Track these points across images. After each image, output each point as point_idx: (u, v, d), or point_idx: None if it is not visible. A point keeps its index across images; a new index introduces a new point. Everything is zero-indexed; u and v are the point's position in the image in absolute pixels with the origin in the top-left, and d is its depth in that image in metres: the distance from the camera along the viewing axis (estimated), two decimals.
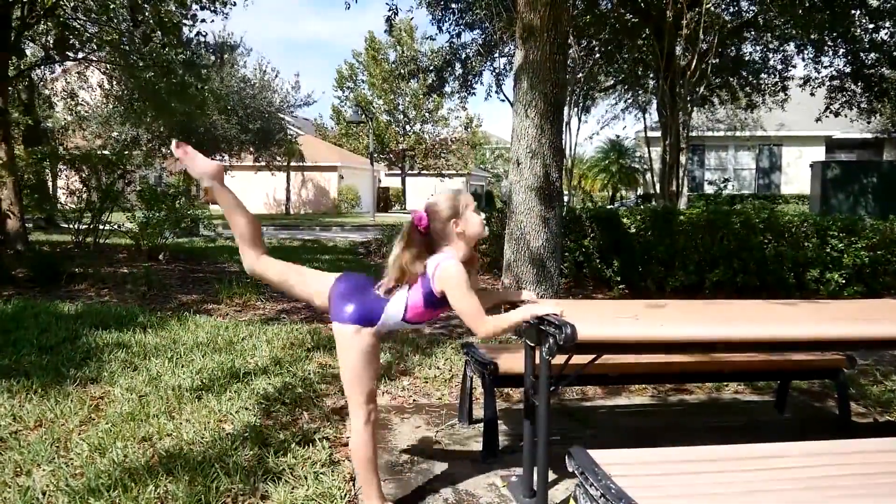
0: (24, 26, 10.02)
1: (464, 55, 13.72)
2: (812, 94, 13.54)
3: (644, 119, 15.90)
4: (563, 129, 6.43)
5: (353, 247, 12.87)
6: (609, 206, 13.00)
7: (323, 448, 2.96)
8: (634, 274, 7.44)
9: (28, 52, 12.85)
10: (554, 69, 5.50)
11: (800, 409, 3.85)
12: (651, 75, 13.88)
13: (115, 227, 10.04)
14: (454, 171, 40.73)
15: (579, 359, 2.35)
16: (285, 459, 2.82)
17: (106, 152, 11.62)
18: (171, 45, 10.76)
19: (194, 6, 10.61)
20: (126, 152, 12.30)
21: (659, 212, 7.83)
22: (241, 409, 3.40)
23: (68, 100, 16.90)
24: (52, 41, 11.38)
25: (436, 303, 2.26)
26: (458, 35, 13.14)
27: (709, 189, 21.68)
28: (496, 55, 13.56)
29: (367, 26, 78.05)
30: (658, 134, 13.50)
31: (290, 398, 3.61)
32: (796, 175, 23.12)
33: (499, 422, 3.13)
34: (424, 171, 40.36)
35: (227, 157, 27.12)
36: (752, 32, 12.67)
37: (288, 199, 31.11)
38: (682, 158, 11.60)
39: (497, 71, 13.90)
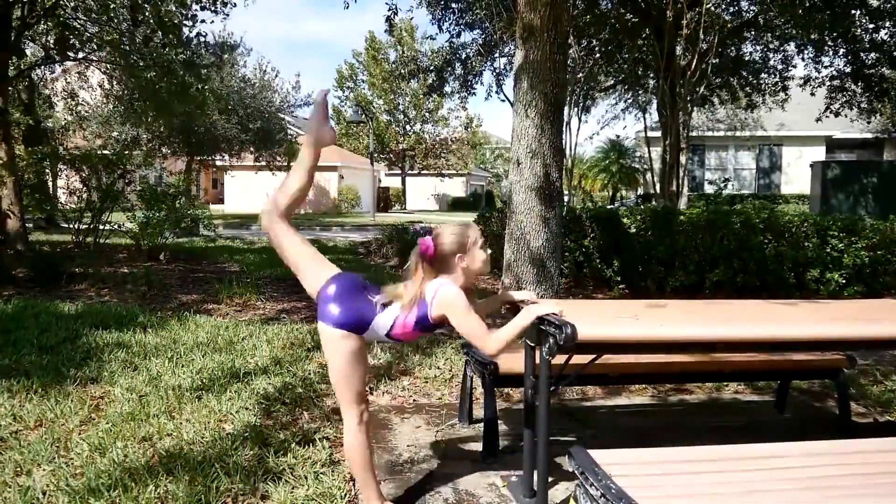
0: (24, 26, 10.03)
1: (464, 55, 13.72)
2: (812, 94, 13.54)
3: (644, 119, 15.89)
4: (564, 128, 6.42)
5: (353, 247, 12.87)
6: (609, 206, 13.00)
7: (323, 448, 2.96)
8: (634, 274, 7.44)
9: (28, 52, 12.85)
10: (554, 69, 5.50)
11: (800, 409, 3.85)
12: (651, 75, 13.87)
13: (116, 226, 10.04)
14: (454, 171, 40.75)
15: (579, 359, 2.35)
16: (285, 459, 2.82)
17: (106, 152, 11.62)
18: (171, 45, 10.76)
19: (194, 6, 10.62)
20: (126, 152, 12.29)
21: (659, 212, 7.83)
22: (241, 408, 3.40)
23: (68, 100, 16.90)
24: (52, 41, 11.39)
25: (427, 327, 2.27)
26: (458, 35, 13.15)
27: (709, 189, 21.68)
28: (496, 55, 13.57)
29: (367, 26, 78.10)
30: (658, 134, 13.49)
31: (290, 398, 3.61)
32: (796, 175, 23.12)
33: (499, 422, 3.13)
34: (424, 171, 40.37)
35: (227, 157, 27.13)
36: (753, 32, 12.66)
37: None
38: (683, 158, 11.59)
39: (497, 71, 13.91)
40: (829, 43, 11.91)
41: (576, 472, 1.84)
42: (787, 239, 7.38)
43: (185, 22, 10.87)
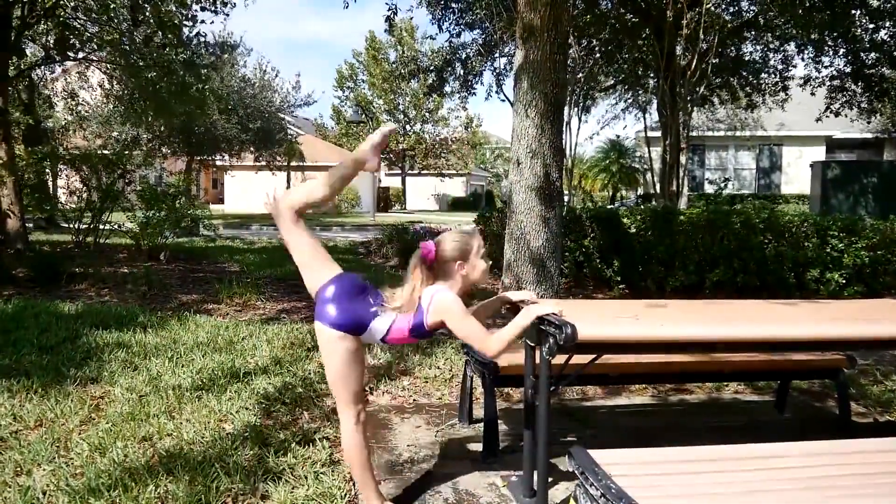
0: (24, 26, 10.02)
1: (464, 55, 13.72)
2: (812, 94, 13.54)
3: (644, 119, 15.89)
4: (564, 128, 6.42)
5: (353, 246, 12.87)
6: (609, 206, 12.99)
7: (323, 448, 2.96)
8: (634, 274, 7.44)
9: (28, 51, 12.84)
10: (554, 69, 5.50)
11: (800, 409, 3.85)
12: (651, 75, 13.88)
13: (116, 226, 10.04)
14: (454, 171, 40.74)
15: (579, 359, 2.35)
16: (285, 459, 2.82)
17: (106, 152, 11.62)
18: (171, 45, 10.75)
19: (194, 6, 10.62)
20: (126, 152, 12.30)
21: (659, 212, 7.83)
22: (241, 408, 3.40)
23: (68, 100, 16.90)
24: (52, 41, 11.38)
25: (422, 333, 2.28)
26: (458, 35, 13.15)
27: (709, 189, 21.68)
28: (496, 55, 13.57)
29: (367, 26, 78.12)
30: (658, 134, 13.49)
31: (290, 398, 3.61)
32: (796, 175, 23.12)
33: (499, 422, 3.14)
34: (424, 171, 40.36)
35: (227, 157, 27.12)
36: (753, 32, 12.66)
37: None
38: (683, 158, 11.59)
39: (497, 71, 13.91)
40: (829, 43, 11.91)
41: (576, 472, 1.84)
42: (787, 239, 7.38)
43: (185, 22, 10.87)
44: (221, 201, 34.92)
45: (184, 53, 11.33)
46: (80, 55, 11.93)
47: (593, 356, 2.38)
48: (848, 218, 7.82)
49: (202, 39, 12.61)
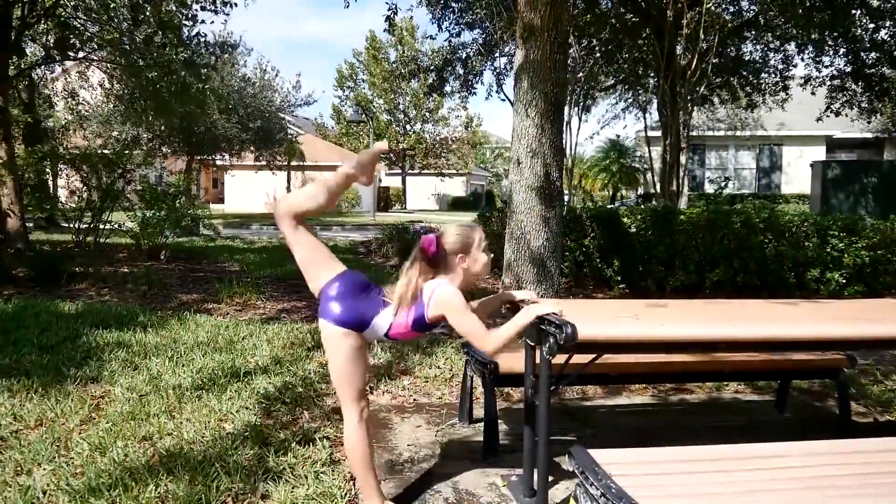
0: (24, 26, 10.02)
1: (464, 55, 13.72)
2: (812, 94, 13.53)
3: (644, 119, 15.87)
4: (564, 128, 6.42)
5: (353, 246, 12.87)
6: (609, 206, 12.99)
7: (323, 447, 2.96)
8: (635, 273, 7.44)
9: (28, 51, 12.84)
10: (554, 69, 5.50)
11: (800, 409, 3.85)
12: (651, 75, 13.87)
13: (116, 226, 10.04)
14: (454, 171, 40.74)
15: (579, 358, 2.35)
16: (286, 459, 2.82)
17: (106, 152, 11.62)
18: (171, 44, 10.75)
19: (194, 6, 10.61)
20: (126, 152, 12.29)
21: (659, 211, 7.83)
22: (241, 408, 3.40)
23: (69, 99, 16.90)
24: (52, 41, 11.38)
25: (423, 326, 2.28)
26: (458, 34, 13.14)
27: (709, 188, 21.67)
28: (497, 55, 13.56)
29: (367, 26, 78.07)
30: (658, 133, 13.48)
31: (290, 397, 3.61)
32: (797, 175, 23.11)
33: (499, 421, 3.14)
34: (425, 171, 40.36)
35: (227, 157, 27.11)
36: (753, 32, 12.66)
37: None
38: (683, 158, 11.59)
39: (497, 70, 13.90)
40: (830, 42, 11.91)
41: (576, 471, 1.84)
42: (788, 239, 7.38)
43: (185, 22, 10.87)
44: (221, 201, 34.92)
45: (184, 53, 11.33)
46: (81, 55, 11.93)
47: (593, 356, 2.38)
48: (848, 218, 7.82)
49: (202, 39, 12.60)
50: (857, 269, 7.31)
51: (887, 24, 11.33)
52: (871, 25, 11.51)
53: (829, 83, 13.28)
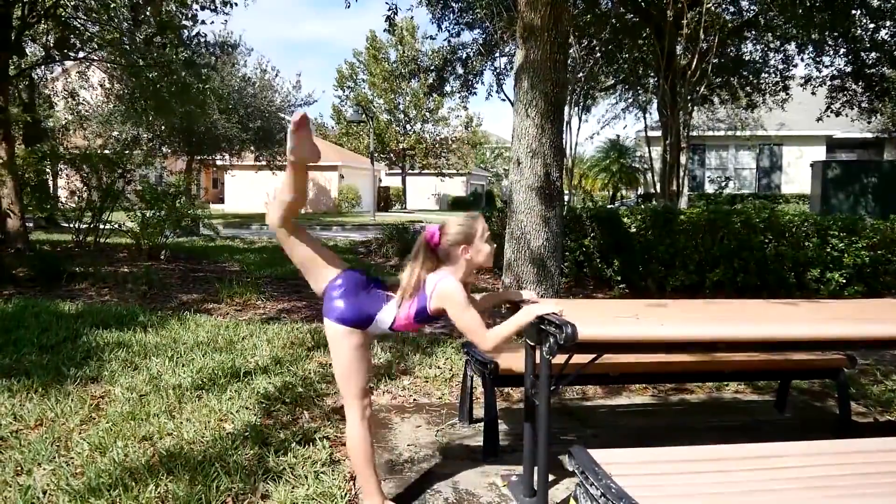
0: (24, 26, 10.02)
1: (464, 55, 13.72)
2: (813, 94, 13.52)
3: (644, 119, 15.85)
4: (564, 128, 6.42)
5: (353, 246, 12.87)
6: (609, 206, 12.98)
7: (323, 447, 2.96)
8: (635, 274, 7.44)
9: (28, 51, 12.84)
10: (554, 69, 5.50)
11: (800, 409, 3.85)
12: (651, 75, 13.86)
13: (116, 226, 10.05)
14: (454, 171, 40.74)
15: (580, 358, 2.35)
16: (286, 459, 2.82)
17: (106, 152, 11.62)
18: (171, 44, 10.75)
19: (194, 6, 10.62)
20: (126, 152, 12.31)
21: (659, 211, 7.83)
22: (241, 408, 3.40)
23: (69, 99, 16.89)
24: (52, 41, 11.38)
25: (425, 318, 2.30)
26: (458, 34, 13.14)
27: (709, 189, 21.67)
28: (497, 55, 13.56)
29: (367, 26, 78.08)
30: (658, 133, 13.48)
31: (290, 397, 3.61)
32: (797, 175, 23.10)
33: (499, 421, 3.14)
34: (425, 171, 40.35)
35: (227, 157, 27.11)
36: (753, 32, 12.65)
37: None
38: (683, 158, 11.59)
39: (497, 70, 13.90)
40: (830, 42, 11.90)
41: (576, 471, 1.84)
42: (788, 239, 7.38)
43: (185, 22, 10.87)
44: (221, 201, 34.92)
45: (184, 53, 11.33)
46: (81, 55, 11.92)
47: (593, 356, 2.38)
48: (848, 217, 7.82)
49: (202, 39, 12.61)
50: (857, 269, 7.30)
51: (887, 24, 11.33)
52: (871, 25, 11.50)
53: (829, 83, 13.28)
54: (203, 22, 13.41)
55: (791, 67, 13.62)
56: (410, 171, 40.44)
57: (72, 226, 10.33)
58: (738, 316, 2.68)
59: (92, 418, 3.25)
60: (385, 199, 38.07)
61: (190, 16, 10.74)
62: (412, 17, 38.11)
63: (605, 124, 23.67)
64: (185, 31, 11.34)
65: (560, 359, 2.28)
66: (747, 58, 13.50)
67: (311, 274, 2.35)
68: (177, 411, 3.34)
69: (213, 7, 10.69)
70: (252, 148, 26.25)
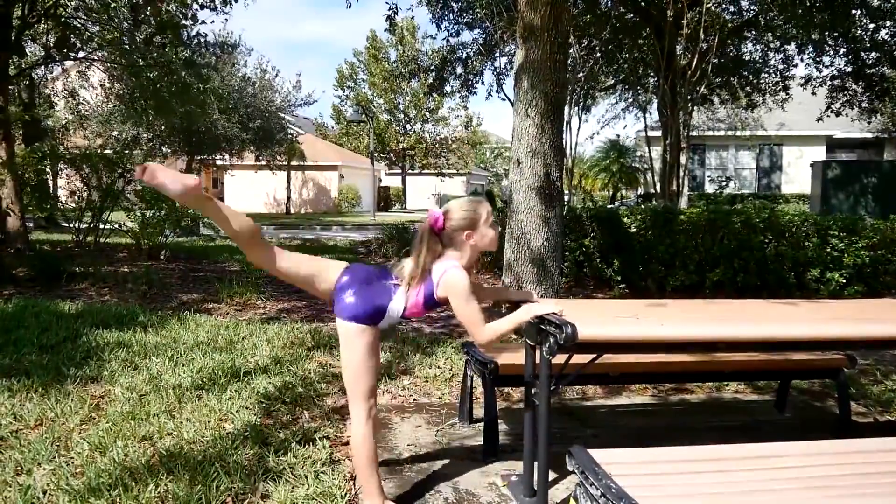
0: (24, 25, 10.02)
1: (464, 55, 13.72)
2: (813, 94, 13.52)
3: (644, 118, 15.86)
4: (564, 128, 6.42)
5: (353, 246, 12.87)
6: (609, 206, 12.98)
7: (323, 447, 2.96)
8: (635, 273, 7.44)
9: (28, 51, 12.84)
10: (554, 68, 5.50)
11: (800, 409, 3.85)
12: (651, 75, 13.86)
13: (116, 226, 10.05)
14: (454, 171, 40.74)
15: (580, 358, 2.35)
16: (286, 458, 2.82)
17: (107, 151, 11.61)
18: (171, 44, 10.75)
19: (194, 5, 10.61)
20: (126, 151, 12.31)
21: (659, 211, 7.83)
22: (241, 408, 3.40)
23: (69, 99, 16.89)
24: (52, 41, 11.38)
25: (433, 304, 2.31)
26: (458, 34, 13.15)
27: (709, 189, 21.67)
28: (497, 55, 13.56)
29: (367, 26, 78.08)
30: (658, 133, 13.48)
31: (290, 397, 3.61)
32: (797, 175, 23.11)
33: (499, 421, 3.14)
34: (425, 171, 40.35)
35: (227, 157, 27.12)
36: (753, 32, 12.65)
37: (288, 198, 31.13)
38: (683, 158, 11.59)
39: (497, 70, 13.90)
40: (830, 42, 11.90)
41: (576, 471, 1.84)
42: (788, 239, 7.38)
43: (185, 22, 10.87)
44: (222, 200, 34.86)
45: (184, 53, 11.32)
46: (81, 55, 11.93)
47: (594, 356, 2.38)
48: (848, 217, 7.82)
49: (202, 39, 12.60)
50: (857, 269, 7.31)
51: (887, 24, 11.33)
52: (871, 25, 11.50)
53: (829, 83, 13.28)
54: (203, 21, 13.39)
55: (791, 67, 13.62)
56: (410, 171, 40.45)
57: (72, 226, 10.33)
58: (738, 316, 2.68)
59: (92, 418, 3.25)
60: (385, 199, 38.08)
61: (190, 15, 10.74)
62: (412, 17, 38.08)
63: (605, 124, 23.71)
64: (185, 30, 11.33)
65: (560, 359, 2.28)
66: (747, 58, 13.50)
67: (316, 279, 2.32)
68: (177, 411, 3.34)
69: (212, 6, 10.69)
70: (252, 148, 26.26)
